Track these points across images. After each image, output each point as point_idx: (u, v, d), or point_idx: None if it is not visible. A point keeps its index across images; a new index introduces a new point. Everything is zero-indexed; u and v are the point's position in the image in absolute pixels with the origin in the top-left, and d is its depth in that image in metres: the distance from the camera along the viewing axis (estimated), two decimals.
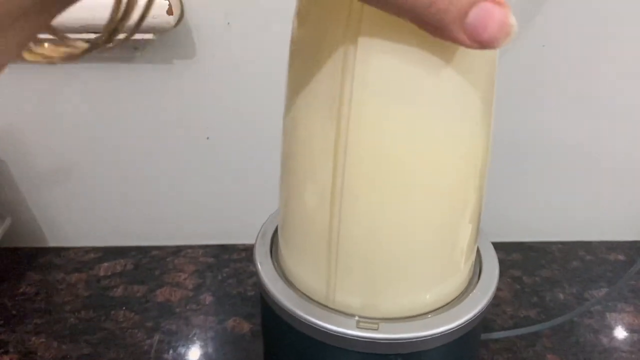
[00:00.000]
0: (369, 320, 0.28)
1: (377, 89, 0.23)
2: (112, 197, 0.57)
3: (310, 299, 0.29)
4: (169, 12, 0.46)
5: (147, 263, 0.58)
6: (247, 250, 0.60)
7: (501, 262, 0.31)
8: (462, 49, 0.20)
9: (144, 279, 0.56)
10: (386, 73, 0.23)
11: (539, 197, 0.61)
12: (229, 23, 0.49)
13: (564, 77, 0.53)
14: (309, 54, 0.24)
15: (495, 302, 0.54)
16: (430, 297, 0.28)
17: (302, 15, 0.25)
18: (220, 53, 0.50)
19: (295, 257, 0.30)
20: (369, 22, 0.22)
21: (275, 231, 0.33)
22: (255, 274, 0.32)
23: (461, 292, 0.29)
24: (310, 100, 0.25)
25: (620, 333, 0.51)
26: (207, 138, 0.55)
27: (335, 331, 0.27)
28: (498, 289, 0.55)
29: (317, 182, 0.26)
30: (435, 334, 0.27)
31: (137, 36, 0.47)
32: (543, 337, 0.50)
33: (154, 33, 0.47)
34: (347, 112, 0.24)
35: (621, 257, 0.61)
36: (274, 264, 0.31)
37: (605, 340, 0.50)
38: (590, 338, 0.50)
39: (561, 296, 0.55)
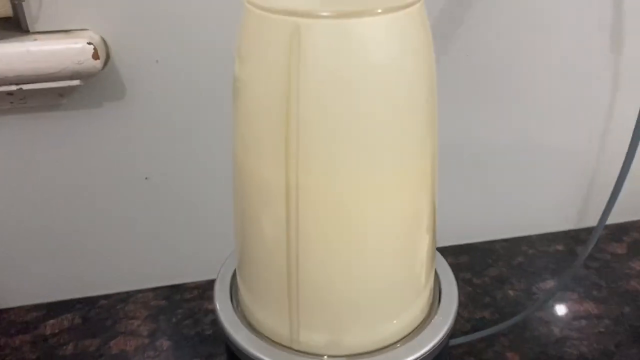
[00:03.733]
0: (336, 359, 0.28)
1: (322, 122, 0.23)
2: (51, 250, 0.55)
3: (274, 341, 0.29)
4: (95, 56, 0.44)
5: (97, 314, 0.55)
6: (199, 288, 0.58)
7: (451, 266, 0.32)
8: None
9: (95, 331, 0.53)
10: (330, 109, 0.23)
11: (477, 198, 0.63)
12: (157, 61, 0.48)
13: (487, 82, 0.55)
14: (252, 93, 0.24)
15: None
16: (395, 327, 0.28)
17: (244, 54, 0.24)
18: (151, 91, 0.49)
19: (256, 299, 0.29)
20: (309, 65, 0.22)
21: (234, 273, 0.33)
22: (214, 314, 0.31)
23: (425, 317, 0.29)
24: (258, 140, 0.25)
25: (569, 321, 0.54)
26: (146, 178, 0.53)
27: None
28: None
29: (272, 223, 0.26)
30: None
31: (63, 83, 0.45)
32: (500, 337, 0.52)
33: (80, 79, 0.45)
34: (296, 152, 0.24)
35: (560, 248, 0.63)
36: (234, 308, 0.31)
37: (556, 331, 0.52)
38: (543, 331, 0.52)
39: (511, 293, 0.57)
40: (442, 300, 0.30)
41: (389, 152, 0.24)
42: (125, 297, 0.57)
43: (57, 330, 0.54)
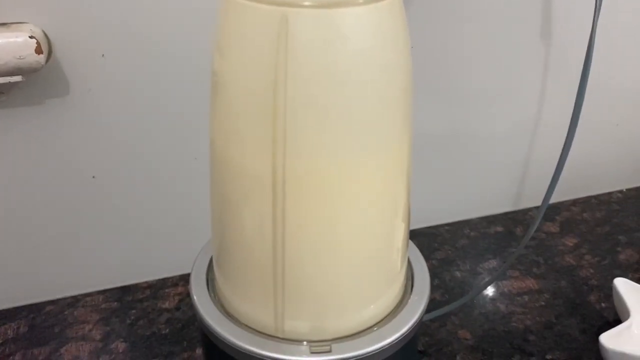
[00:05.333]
0: (321, 344, 0.28)
1: (309, 109, 0.24)
2: None
3: (257, 331, 0.29)
4: (38, 50, 0.42)
5: (43, 321, 0.53)
6: (151, 288, 0.57)
7: None
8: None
9: (44, 339, 0.51)
10: (316, 96, 0.24)
11: (420, 187, 0.65)
12: (103, 55, 0.47)
13: (425, 73, 0.57)
14: (237, 83, 0.24)
15: None
16: (375, 310, 0.29)
17: (225, 42, 0.24)
18: (98, 87, 0.48)
19: (238, 290, 0.29)
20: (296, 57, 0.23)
21: (209, 267, 0.32)
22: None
23: (401, 298, 0.31)
24: (243, 130, 0.25)
25: (513, 298, 0.57)
26: (93, 177, 0.51)
27: None
28: None
29: (258, 213, 0.26)
30: (385, 345, 0.28)
31: (3, 79, 0.43)
32: (451, 316, 0.54)
33: (22, 74, 0.43)
34: (283, 140, 0.24)
35: (500, 229, 0.67)
36: (214, 303, 0.31)
37: (502, 307, 0.55)
38: (490, 308, 0.55)
39: (458, 274, 0.60)
40: (416, 280, 0.32)
41: (373, 137, 0.25)
42: (73, 302, 0.55)
43: (0, 341, 0.51)
